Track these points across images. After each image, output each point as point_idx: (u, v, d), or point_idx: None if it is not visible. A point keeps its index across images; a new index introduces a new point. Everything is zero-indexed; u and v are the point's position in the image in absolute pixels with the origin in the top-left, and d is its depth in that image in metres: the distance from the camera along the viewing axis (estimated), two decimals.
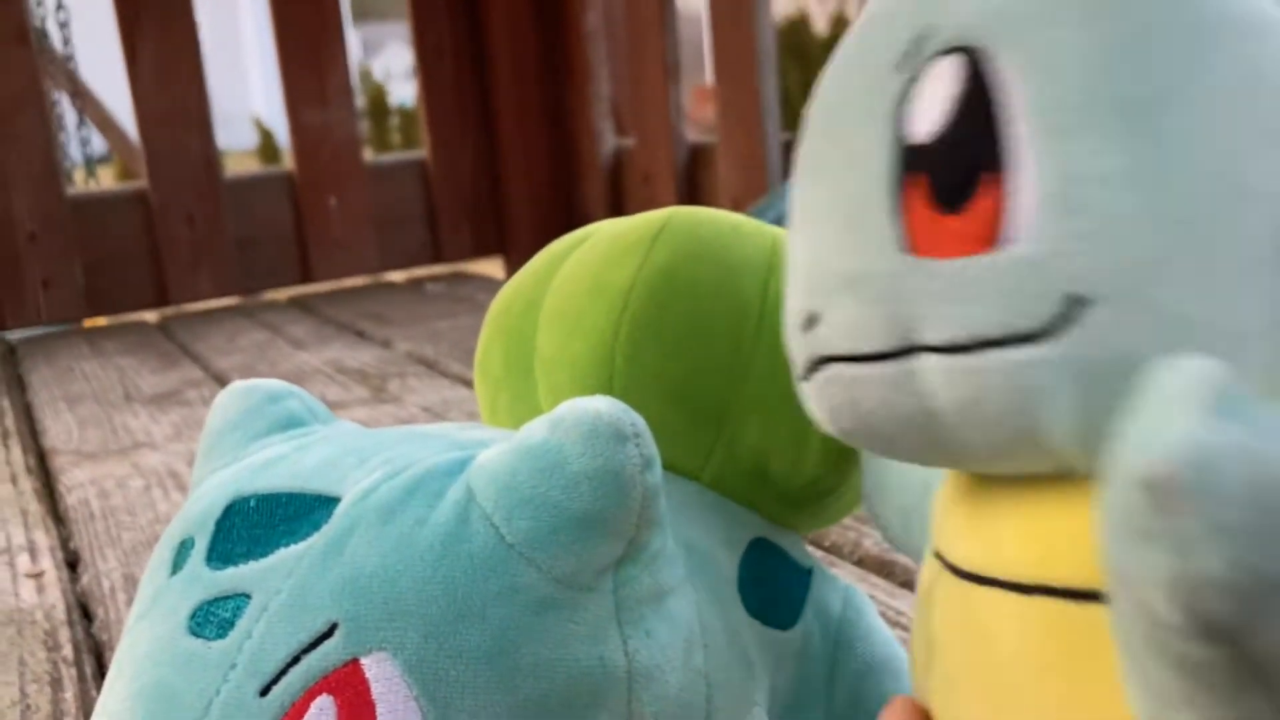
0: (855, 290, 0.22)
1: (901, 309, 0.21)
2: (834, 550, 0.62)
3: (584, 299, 0.35)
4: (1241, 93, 0.20)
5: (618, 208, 1.52)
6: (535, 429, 0.26)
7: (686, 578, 0.30)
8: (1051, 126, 0.20)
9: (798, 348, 0.24)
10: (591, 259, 0.36)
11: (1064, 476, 0.21)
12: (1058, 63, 0.20)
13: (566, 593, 0.26)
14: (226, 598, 0.26)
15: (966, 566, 0.23)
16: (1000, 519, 0.23)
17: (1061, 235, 0.20)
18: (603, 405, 0.26)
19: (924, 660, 0.25)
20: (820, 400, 0.23)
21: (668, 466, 0.34)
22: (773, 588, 0.35)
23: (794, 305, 0.24)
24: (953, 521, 0.24)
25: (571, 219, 1.56)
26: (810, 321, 0.23)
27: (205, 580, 0.26)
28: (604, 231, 0.37)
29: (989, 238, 0.20)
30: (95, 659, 0.57)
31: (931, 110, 0.21)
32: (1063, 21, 0.20)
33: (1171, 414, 0.16)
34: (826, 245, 0.23)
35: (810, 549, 0.37)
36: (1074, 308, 0.19)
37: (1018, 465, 0.22)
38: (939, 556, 0.25)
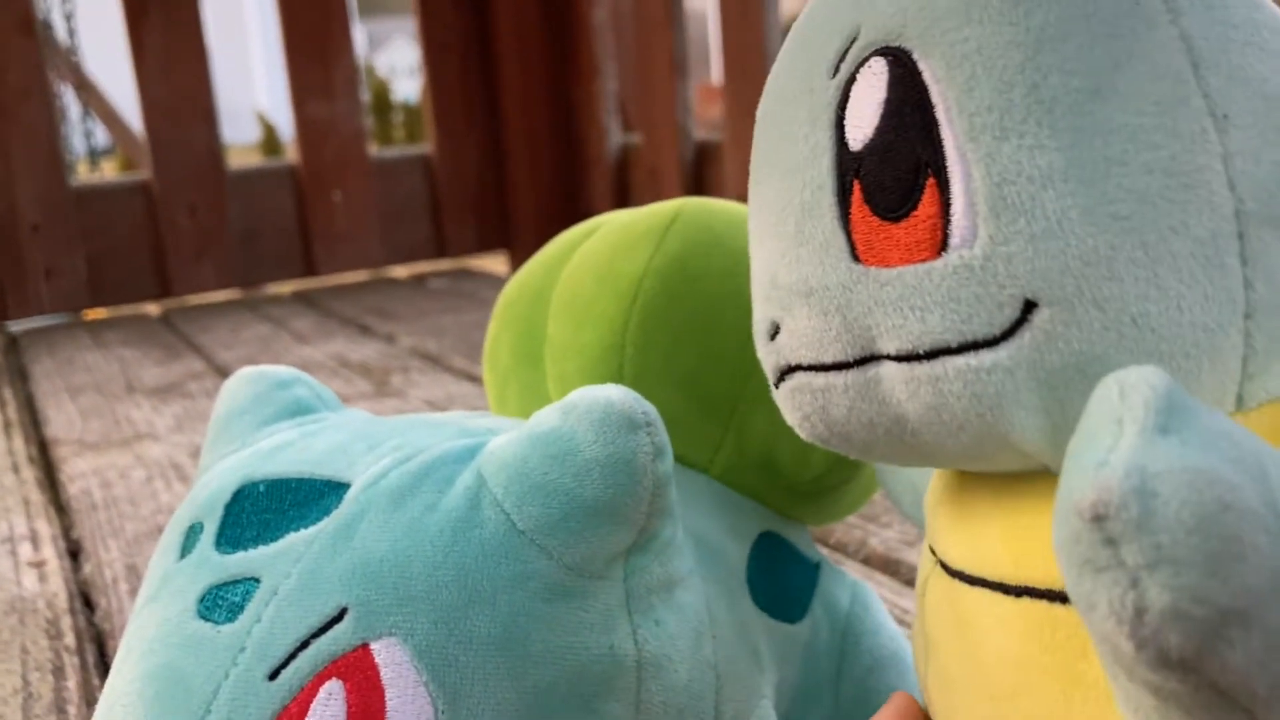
0: (810, 302, 0.22)
1: (857, 319, 0.21)
2: (840, 548, 0.62)
3: (595, 288, 0.35)
4: (1185, 75, 0.19)
5: (623, 204, 1.52)
6: (547, 416, 0.26)
7: (696, 569, 0.30)
8: (979, 127, 0.19)
9: (764, 356, 0.24)
10: (602, 248, 0.36)
11: (1042, 474, 0.21)
12: (979, 61, 0.19)
13: (577, 580, 0.25)
14: (236, 582, 0.25)
15: (955, 565, 0.23)
16: (983, 518, 0.22)
17: (1003, 238, 0.19)
18: (615, 393, 0.26)
19: (923, 655, 0.25)
20: (791, 408, 0.23)
21: (677, 458, 0.34)
22: (781, 581, 0.35)
23: (758, 313, 0.24)
24: (941, 518, 0.24)
25: (577, 215, 1.56)
26: (773, 331, 0.23)
27: (214, 564, 0.26)
28: (615, 221, 0.37)
29: (933, 244, 0.20)
30: (97, 648, 0.56)
31: (865, 115, 0.21)
32: (981, 17, 0.19)
33: (1113, 436, 0.15)
34: (780, 255, 0.22)
35: (816, 547, 0.37)
36: (1025, 311, 0.19)
37: (993, 465, 0.22)
38: (932, 551, 0.25)
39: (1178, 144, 0.19)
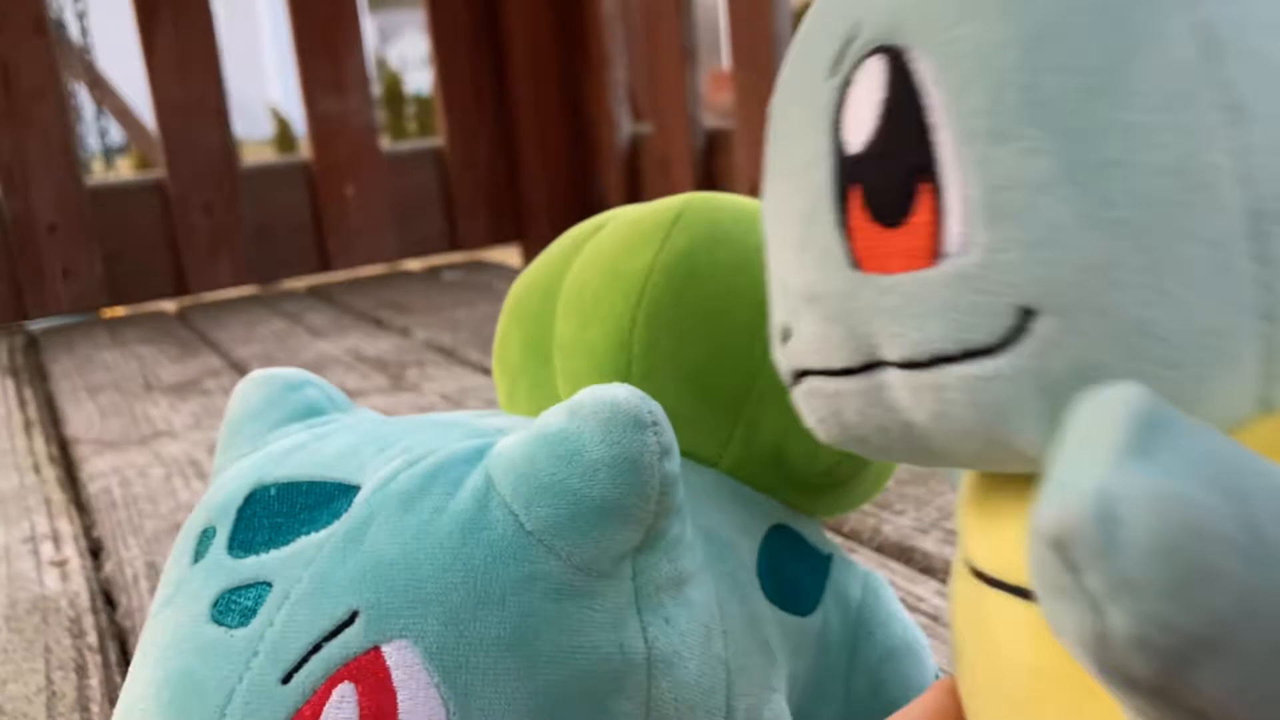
0: (814, 308, 0.21)
1: (859, 326, 0.20)
2: (853, 536, 0.62)
3: (601, 285, 0.35)
4: (1190, 71, 0.18)
5: (635, 194, 1.52)
6: (554, 416, 0.26)
7: (705, 565, 0.30)
8: (974, 131, 0.18)
9: (780, 359, 0.23)
10: (609, 245, 0.36)
11: None
12: (974, 60, 0.18)
13: (586, 580, 0.26)
14: (248, 586, 0.26)
15: (979, 566, 0.23)
16: (1004, 519, 0.22)
17: (998, 246, 0.18)
18: (621, 393, 0.26)
19: (955, 656, 0.25)
20: (807, 411, 0.23)
21: (686, 453, 0.34)
22: (792, 574, 0.35)
23: (773, 317, 0.24)
24: (968, 518, 0.24)
25: (588, 206, 1.56)
26: (785, 335, 0.23)
27: (227, 568, 0.26)
28: (621, 218, 0.37)
29: (930, 251, 0.19)
30: (119, 646, 0.57)
31: (862, 118, 0.20)
32: (977, 12, 0.18)
33: (1084, 458, 0.15)
34: (787, 260, 0.22)
35: (830, 535, 0.37)
36: (1025, 319, 0.18)
37: (1004, 467, 0.21)
38: (963, 550, 0.24)
39: (1188, 142, 0.18)
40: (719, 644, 0.29)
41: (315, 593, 0.25)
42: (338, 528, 0.26)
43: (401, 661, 0.24)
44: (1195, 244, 0.18)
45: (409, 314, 1.37)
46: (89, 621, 0.60)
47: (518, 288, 0.39)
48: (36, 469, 0.88)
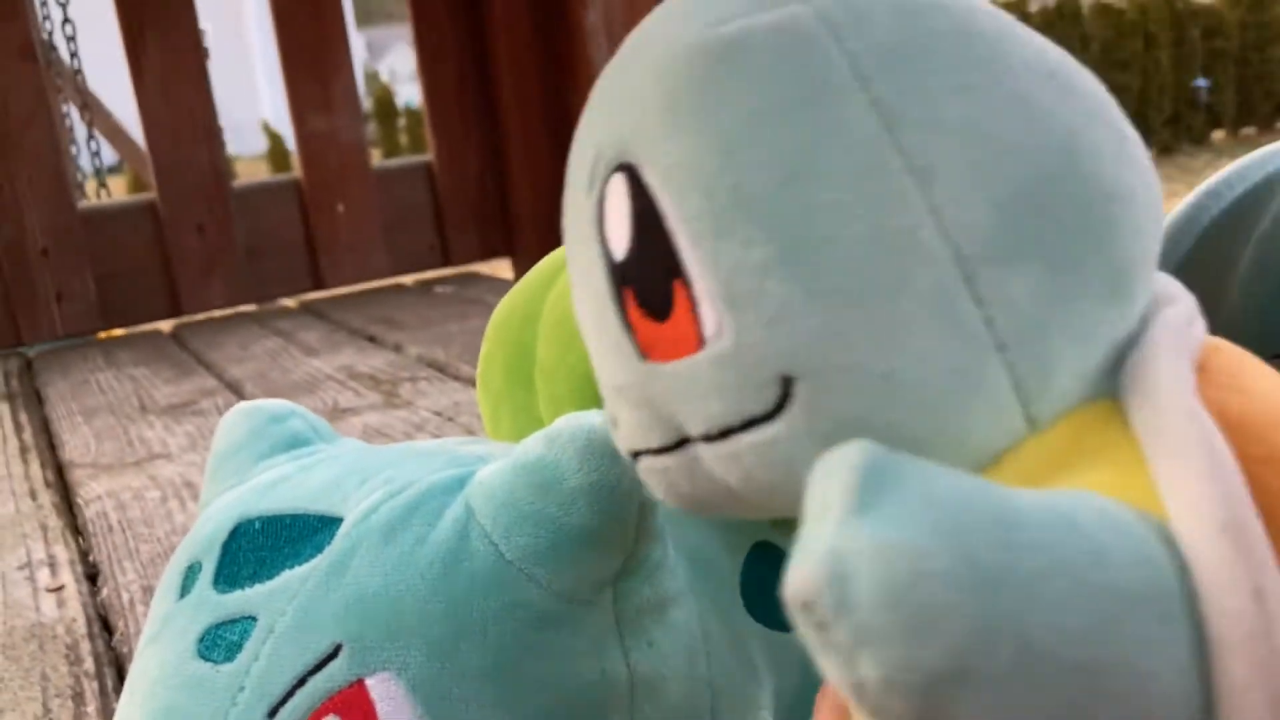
0: (623, 397, 0.23)
1: (661, 409, 0.22)
2: None
3: None
4: (880, 140, 0.19)
5: None
6: (532, 445, 0.27)
7: (688, 586, 0.30)
8: (700, 232, 0.20)
9: (617, 442, 0.25)
10: None
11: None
12: (684, 171, 0.20)
13: (567, 607, 0.26)
14: (234, 621, 0.26)
15: None
16: None
17: (743, 328, 0.20)
18: (598, 420, 0.26)
19: None
20: (651, 484, 0.24)
21: None
22: (776, 591, 0.35)
23: (605, 405, 0.25)
24: None
25: None
26: (614, 423, 0.24)
27: (212, 604, 0.27)
28: None
29: (695, 338, 0.21)
30: (116, 672, 0.57)
31: (618, 228, 0.22)
32: (678, 128, 0.20)
33: (817, 522, 0.16)
34: (594, 355, 0.24)
35: None
36: (787, 385, 0.20)
37: None
38: None
39: (878, 211, 0.19)
40: (702, 665, 0.29)
41: (299, 626, 0.25)
42: (321, 561, 0.26)
43: (386, 694, 0.24)
44: (911, 298, 0.19)
45: (401, 329, 1.37)
46: (86, 648, 0.60)
47: (500, 312, 0.40)
48: (33, 494, 0.89)
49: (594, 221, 0.22)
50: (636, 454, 0.24)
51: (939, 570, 0.15)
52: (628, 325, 0.22)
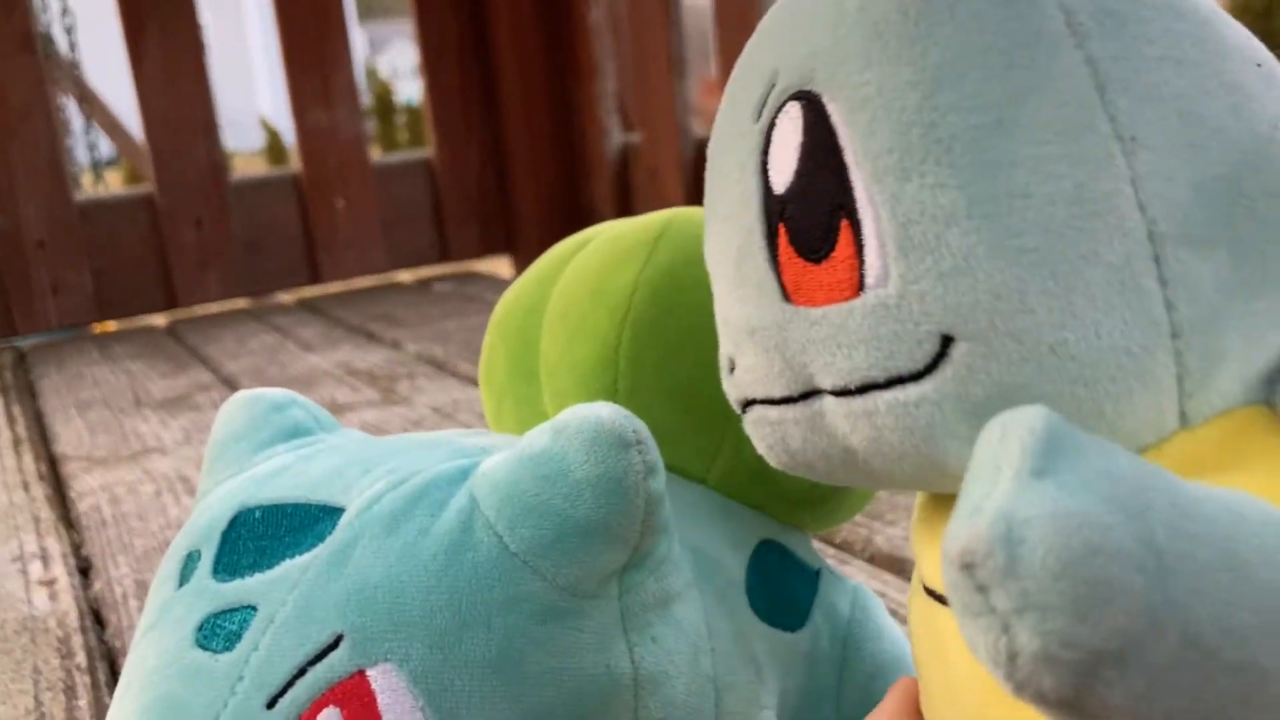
0: (753, 339, 0.22)
1: (794, 356, 0.21)
2: (845, 547, 0.62)
3: (586, 303, 0.35)
4: (1090, 100, 0.19)
5: (625, 204, 1.52)
6: (538, 436, 0.26)
7: (693, 582, 0.30)
8: (883, 169, 0.19)
9: (727, 389, 0.24)
10: (593, 263, 0.36)
11: None
12: (879, 103, 0.19)
13: (571, 601, 0.26)
14: (233, 610, 0.26)
15: (930, 584, 0.23)
16: None
17: (912, 277, 0.19)
18: (605, 412, 0.26)
19: (917, 667, 0.25)
20: (756, 439, 0.24)
21: (673, 469, 0.34)
22: (780, 590, 0.35)
23: (720, 348, 0.24)
24: (919, 538, 0.24)
25: (578, 216, 1.56)
26: (730, 366, 0.23)
27: (211, 593, 0.26)
28: (605, 235, 0.37)
29: (853, 283, 0.20)
30: (108, 665, 0.57)
31: (784, 160, 0.21)
32: (878, 59, 0.19)
33: (990, 482, 0.16)
34: (726, 294, 0.23)
35: (822, 546, 0.37)
36: (945, 346, 0.19)
37: (942, 488, 0.22)
38: (917, 569, 0.25)
39: (1082, 172, 0.19)
40: (707, 662, 0.29)
41: (300, 616, 0.25)
42: (322, 551, 0.26)
43: (387, 685, 0.24)
44: (1099, 267, 0.18)
45: (400, 326, 1.37)
46: (78, 641, 0.59)
47: (502, 306, 0.39)
48: (25, 486, 0.88)
49: (757, 150, 0.21)
50: (749, 403, 0.23)
51: (1116, 547, 0.14)
52: (775, 263, 0.21)
